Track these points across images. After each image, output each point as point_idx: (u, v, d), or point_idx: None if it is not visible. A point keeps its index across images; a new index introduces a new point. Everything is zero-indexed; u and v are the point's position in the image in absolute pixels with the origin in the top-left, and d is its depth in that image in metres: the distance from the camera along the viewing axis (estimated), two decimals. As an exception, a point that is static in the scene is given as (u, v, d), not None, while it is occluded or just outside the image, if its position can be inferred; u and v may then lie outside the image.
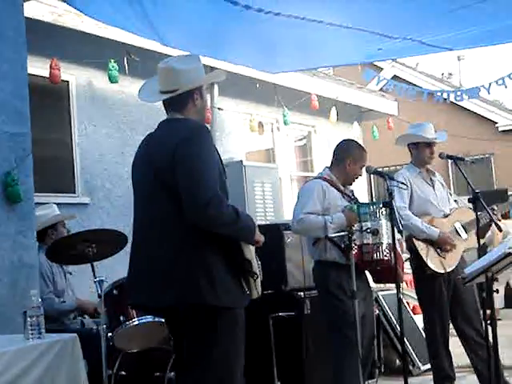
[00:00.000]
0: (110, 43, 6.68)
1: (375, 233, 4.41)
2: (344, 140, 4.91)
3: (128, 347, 4.52)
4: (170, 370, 4.41)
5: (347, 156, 4.70)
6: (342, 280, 4.44)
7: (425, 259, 5.14)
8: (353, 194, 4.76)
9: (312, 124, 10.72)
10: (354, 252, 4.37)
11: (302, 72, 9.03)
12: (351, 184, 4.78)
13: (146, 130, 3.51)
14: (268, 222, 6.61)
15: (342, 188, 4.66)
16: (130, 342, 4.49)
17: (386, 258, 4.42)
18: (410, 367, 6.27)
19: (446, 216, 5.35)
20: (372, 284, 6.27)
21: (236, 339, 3.12)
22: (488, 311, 4.34)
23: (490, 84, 7.19)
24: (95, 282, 4.32)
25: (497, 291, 3.99)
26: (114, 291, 4.53)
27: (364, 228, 4.41)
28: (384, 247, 4.42)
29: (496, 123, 17.90)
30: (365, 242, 4.43)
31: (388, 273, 4.46)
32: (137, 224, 3.25)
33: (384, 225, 4.40)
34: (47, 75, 6.13)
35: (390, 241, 4.30)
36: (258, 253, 3.22)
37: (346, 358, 4.37)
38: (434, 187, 5.40)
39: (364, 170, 4.73)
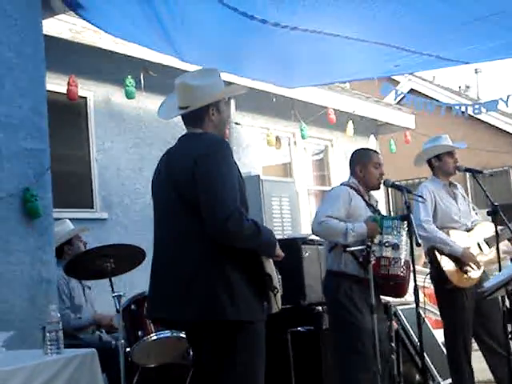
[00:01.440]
0: (127, 59, 6.73)
1: (395, 247, 4.37)
2: (352, 152, 4.89)
3: (146, 362, 4.52)
4: (189, 385, 4.39)
5: (355, 164, 4.70)
6: (354, 292, 4.40)
7: (446, 273, 5.09)
8: (377, 205, 4.74)
9: (329, 138, 10.71)
10: (373, 263, 4.34)
11: (319, 86, 9.04)
12: (378, 188, 4.73)
13: (164, 145, 3.53)
14: (286, 237, 6.59)
15: (367, 197, 4.64)
16: (149, 357, 4.49)
17: (401, 274, 4.39)
18: (430, 382, 6.20)
19: (468, 230, 5.30)
20: (391, 299, 6.24)
21: (257, 353, 3.11)
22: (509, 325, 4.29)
23: (508, 97, 7.15)
24: (114, 296, 4.33)
25: None
26: (132, 306, 4.53)
27: (385, 241, 4.38)
28: (402, 263, 4.39)
29: (514, 136, 17.79)
30: (384, 254, 4.39)
31: (397, 288, 4.45)
32: (157, 239, 3.25)
33: (404, 241, 4.37)
34: (65, 92, 6.18)
35: (408, 258, 4.27)
36: (277, 267, 3.21)
37: (359, 373, 4.32)
38: (456, 200, 5.36)
39: (382, 183, 4.70)
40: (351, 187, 4.61)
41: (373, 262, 4.33)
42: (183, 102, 3.28)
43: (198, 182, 3.03)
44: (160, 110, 3.49)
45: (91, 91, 6.95)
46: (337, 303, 4.47)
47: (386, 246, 4.36)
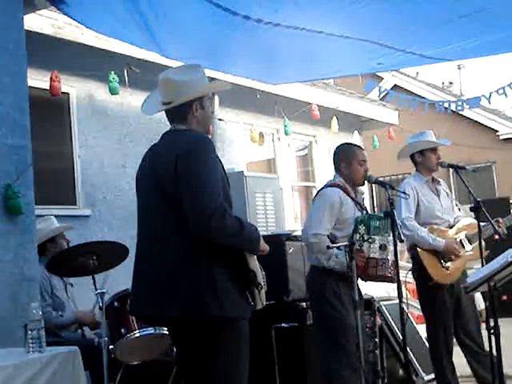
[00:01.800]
0: (110, 55, 6.70)
1: (382, 248, 4.38)
2: (335, 148, 4.88)
3: (129, 359, 4.50)
4: (172, 382, 4.38)
5: (340, 161, 4.69)
6: (340, 289, 4.40)
7: (428, 270, 5.11)
8: (363, 200, 4.74)
9: (313, 134, 10.73)
10: (361, 264, 4.35)
11: (302, 82, 9.05)
12: (363, 184, 4.72)
13: (148, 141, 3.52)
14: (269, 233, 6.59)
15: (353, 194, 4.63)
16: (132, 354, 4.47)
17: (389, 275, 4.40)
18: (414, 377, 6.22)
19: (450, 226, 5.33)
20: (374, 294, 6.27)
21: (241, 350, 3.11)
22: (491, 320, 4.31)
23: (490, 93, 7.19)
24: (96, 294, 4.31)
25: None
26: (116, 303, 4.51)
27: (373, 242, 4.38)
28: (389, 263, 4.39)
29: (497, 131, 17.91)
30: (371, 255, 4.39)
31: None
32: (141, 236, 3.25)
33: (391, 240, 4.37)
34: (47, 87, 6.14)
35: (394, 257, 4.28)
36: (260, 263, 3.21)
37: (343, 369, 4.32)
38: (439, 196, 5.39)
39: (365, 179, 4.70)
40: (340, 187, 4.60)
41: (362, 263, 4.33)
42: (166, 98, 3.27)
43: (181, 178, 3.02)
44: (144, 106, 3.48)
45: (74, 87, 6.90)
46: (323, 300, 4.46)
47: (371, 245, 4.36)
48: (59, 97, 6.38)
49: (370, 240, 4.38)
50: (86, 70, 6.88)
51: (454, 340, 5.34)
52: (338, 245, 4.29)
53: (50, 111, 6.73)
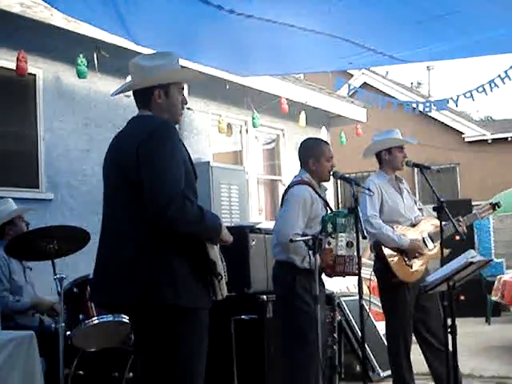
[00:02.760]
0: (79, 38, 6.61)
1: (349, 245, 4.40)
2: (302, 142, 4.87)
3: (87, 346, 4.46)
4: (129, 370, 4.36)
5: (308, 156, 4.66)
6: (310, 284, 4.38)
7: (392, 268, 5.15)
8: (325, 195, 4.74)
9: (281, 127, 10.73)
10: (330, 263, 4.36)
11: (273, 75, 9.04)
12: (328, 180, 4.72)
13: (114, 127, 3.49)
14: (233, 224, 6.59)
15: (319, 191, 4.62)
16: (89, 341, 4.43)
17: (356, 272, 4.42)
18: (370, 373, 6.29)
19: (413, 225, 5.37)
20: (335, 289, 6.30)
21: (199, 340, 3.09)
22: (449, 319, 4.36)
23: (458, 96, 7.27)
24: (55, 279, 4.25)
25: None
26: (75, 289, 4.47)
27: (339, 239, 4.39)
28: (356, 260, 4.41)
29: (463, 134, 18.14)
30: (339, 253, 4.40)
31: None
32: (104, 222, 3.22)
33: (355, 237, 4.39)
34: (14, 67, 6.03)
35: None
36: (222, 255, 3.19)
37: (307, 363, 4.33)
38: (402, 195, 5.42)
39: (331, 175, 4.70)
40: (308, 184, 4.58)
41: (331, 262, 4.34)
42: (132, 82, 3.27)
43: (142, 165, 3.00)
44: (118, 88, 3.47)
45: (41, 68, 6.79)
46: (294, 294, 4.43)
47: (341, 245, 4.38)
48: (25, 77, 6.29)
49: (337, 238, 4.39)
50: (54, 51, 6.78)
51: (414, 337, 5.39)
52: (302, 238, 4.29)
53: (16, 92, 6.62)
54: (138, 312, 3.11)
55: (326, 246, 4.42)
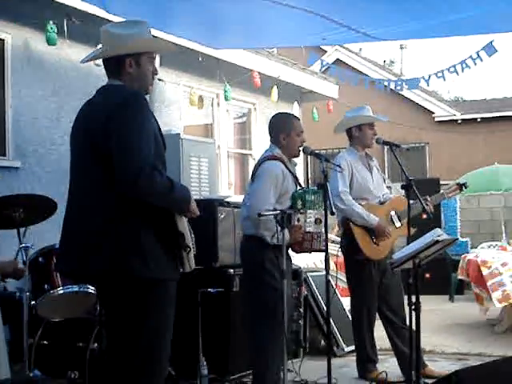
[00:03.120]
0: (50, 4, 6.48)
1: (317, 222, 4.40)
2: (272, 117, 4.82)
3: (51, 316, 4.45)
4: (94, 340, 4.35)
5: (278, 131, 4.62)
6: (278, 258, 4.38)
7: (360, 245, 5.19)
8: (295, 171, 4.73)
9: (253, 102, 10.69)
10: (299, 239, 4.37)
11: (246, 49, 8.98)
12: (298, 155, 4.69)
13: (84, 95, 3.43)
14: (202, 197, 6.57)
15: (290, 166, 4.60)
16: (54, 311, 4.41)
17: (323, 248, 4.44)
18: (335, 348, 6.36)
19: (381, 203, 5.41)
20: (302, 264, 6.33)
21: (166, 312, 3.09)
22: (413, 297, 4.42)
23: (429, 76, 7.30)
24: (20, 248, 4.21)
25: None
26: (40, 259, 4.44)
27: (308, 216, 4.39)
28: (323, 237, 4.42)
29: (433, 113, 18.25)
30: (307, 229, 4.40)
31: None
32: (71, 192, 3.19)
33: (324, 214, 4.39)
34: (-19, 32, 5.91)
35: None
36: (191, 227, 3.18)
37: (273, 337, 4.35)
38: (371, 172, 5.45)
39: (301, 150, 4.69)
40: (280, 160, 4.55)
41: (300, 238, 4.34)
42: (102, 49, 3.23)
43: (110, 135, 2.96)
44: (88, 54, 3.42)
45: (9, 34, 6.65)
46: (262, 269, 4.42)
47: (309, 221, 4.38)
48: (-7, 43, 6.16)
49: (306, 214, 4.40)
50: (23, 17, 6.64)
51: (376, 314, 5.46)
52: (270, 213, 4.29)
53: (-17, 57, 6.49)
54: (105, 283, 3.10)
55: (296, 223, 4.42)
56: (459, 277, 8.49)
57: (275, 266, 4.39)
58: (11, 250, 4.76)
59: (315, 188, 4.37)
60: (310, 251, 4.53)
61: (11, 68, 6.69)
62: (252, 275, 4.59)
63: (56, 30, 6.42)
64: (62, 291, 4.33)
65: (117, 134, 2.96)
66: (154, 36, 3.43)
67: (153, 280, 3.01)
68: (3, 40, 6.61)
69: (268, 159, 4.59)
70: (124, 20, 3.50)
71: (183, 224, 3.10)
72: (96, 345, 4.34)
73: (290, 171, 4.57)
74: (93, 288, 4.15)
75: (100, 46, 3.32)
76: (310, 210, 4.41)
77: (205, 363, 4.98)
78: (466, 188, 5.55)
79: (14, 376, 3.91)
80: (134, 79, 3.19)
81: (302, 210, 4.42)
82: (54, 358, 4.45)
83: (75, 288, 4.33)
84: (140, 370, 3.03)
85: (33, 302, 4.23)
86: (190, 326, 5.04)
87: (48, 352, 4.46)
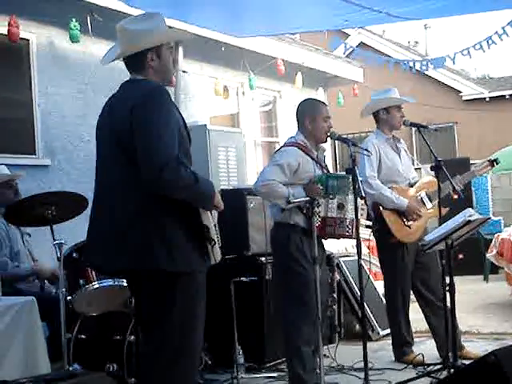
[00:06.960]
0: (72, 2, 6.53)
1: (340, 207, 4.38)
2: (299, 103, 4.79)
3: (88, 311, 4.49)
4: (130, 333, 4.39)
5: (304, 116, 4.58)
6: (303, 244, 4.38)
7: (391, 228, 5.16)
8: (325, 159, 4.71)
9: (277, 89, 10.66)
10: (317, 224, 4.32)
11: (268, 36, 8.95)
12: (325, 141, 4.64)
13: (109, 91, 3.44)
14: (231, 187, 6.58)
15: (314, 153, 4.57)
16: (90, 305, 4.45)
17: (347, 234, 4.42)
18: (370, 332, 6.34)
19: (411, 185, 5.37)
20: (334, 250, 6.32)
21: (194, 302, 3.10)
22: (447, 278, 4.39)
23: (455, 54, 7.20)
24: (54, 244, 4.26)
25: None
26: (74, 254, 4.48)
27: (331, 201, 4.37)
28: (347, 222, 4.40)
29: (460, 92, 18.04)
30: (329, 215, 4.38)
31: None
32: (97, 187, 3.21)
33: (350, 200, 4.36)
34: (6, 33, 5.96)
35: (354, 216, 4.27)
36: (221, 218, 3.19)
37: (302, 324, 4.35)
38: (399, 155, 5.41)
39: (328, 136, 4.65)
40: (299, 146, 4.51)
41: (318, 223, 4.32)
42: (120, 47, 3.22)
43: (135, 129, 2.97)
44: (106, 54, 3.41)
45: (34, 33, 6.72)
46: (287, 255, 4.41)
47: (331, 206, 4.36)
48: (18, 43, 6.22)
49: (328, 199, 4.37)
50: (46, 16, 6.69)
51: (412, 296, 5.43)
52: (299, 200, 4.28)
53: (9, 57, 6.56)
54: (133, 278, 3.14)
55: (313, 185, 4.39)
56: (489, 256, 8.39)
57: (300, 251, 4.38)
58: (46, 247, 4.82)
59: (339, 173, 4.35)
60: (334, 237, 4.50)
61: (37, 67, 6.76)
62: (278, 261, 4.61)
63: (79, 28, 6.47)
64: (97, 286, 4.37)
65: (141, 128, 2.97)
66: (170, 27, 3.43)
67: (179, 273, 3.03)
68: (28, 40, 6.68)
69: (286, 145, 4.58)
70: (137, 15, 3.48)
71: (207, 217, 3.11)
72: (133, 337, 4.38)
73: (312, 158, 4.53)
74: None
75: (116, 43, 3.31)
76: (332, 195, 4.37)
77: (241, 352, 5.00)
78: (497, 164, 5.48)
79: (54, 371, 3.97)
80: (156, 71, 3.20)
81: (326, 195, 4.38)
82: (93, 351, 4.50)
83: (110, 282, 4.37)
84: (171, 362, 3.05)
85: (69, 298, 4.27)
86: (224, 316, 5.06)
87: (86, 346, 4.51)
